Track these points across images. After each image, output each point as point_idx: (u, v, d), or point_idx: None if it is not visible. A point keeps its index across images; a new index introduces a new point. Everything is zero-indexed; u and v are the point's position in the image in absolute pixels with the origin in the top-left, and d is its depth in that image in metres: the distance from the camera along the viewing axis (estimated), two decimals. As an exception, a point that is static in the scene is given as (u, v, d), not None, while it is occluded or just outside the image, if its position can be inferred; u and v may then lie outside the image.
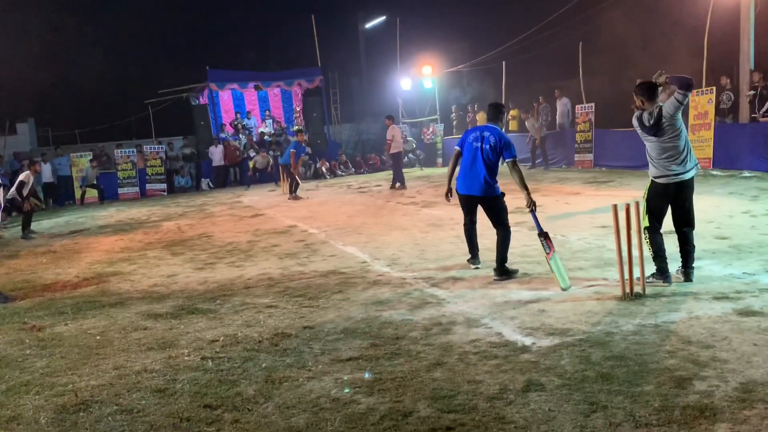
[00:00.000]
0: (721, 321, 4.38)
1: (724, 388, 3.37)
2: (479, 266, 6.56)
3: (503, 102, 20.25)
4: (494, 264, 6.17)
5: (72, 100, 28.76)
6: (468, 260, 6.69)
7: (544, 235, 5.74)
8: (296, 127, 21.08)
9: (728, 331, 4.16)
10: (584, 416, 3.19)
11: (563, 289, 5.47)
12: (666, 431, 2.99)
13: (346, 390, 3.76)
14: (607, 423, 3.11)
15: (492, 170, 6.18)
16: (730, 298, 4.86)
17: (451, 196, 6.62)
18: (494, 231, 6.29)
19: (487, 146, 6.15)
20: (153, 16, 30.60)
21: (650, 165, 5.49)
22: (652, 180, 5.45)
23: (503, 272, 6.06)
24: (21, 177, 12.38)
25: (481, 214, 6.47)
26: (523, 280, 5.97)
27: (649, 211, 5.41)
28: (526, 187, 6.01)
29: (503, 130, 6.47)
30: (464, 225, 6.62)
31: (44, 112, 27.12)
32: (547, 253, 5.64)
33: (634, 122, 5.57)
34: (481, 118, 21.63)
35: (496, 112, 6.46)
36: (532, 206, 5.92)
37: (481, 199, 6.28)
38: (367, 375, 3.86)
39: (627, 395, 3.37)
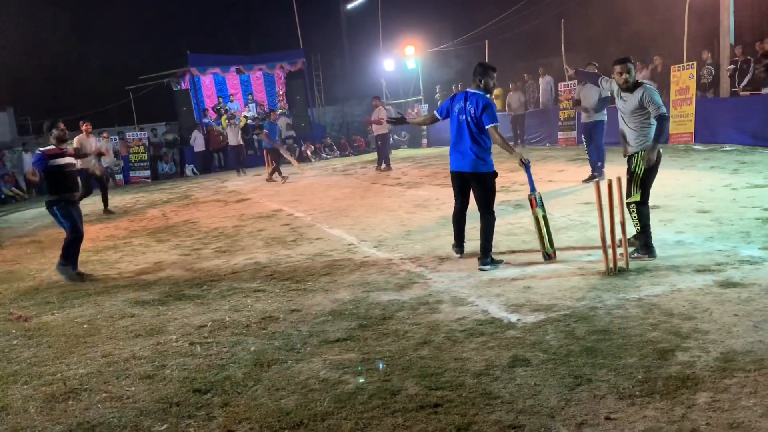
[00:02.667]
0: (702, 293, 4.45)
1: (705, 358, 3.44)
2: (462, 255, 6.22)
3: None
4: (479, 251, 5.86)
5: (52, 88, 28.36)
6: (453, 247, 6.34)
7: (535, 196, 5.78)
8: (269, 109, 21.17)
9: (709, 303, 4.23)
10: (569, 389, 3.25)
11: (544, 257, 5.61)
12: (649, 401, 3.05)
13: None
14: (591, 395, 3.16)
15: (481, 142, 5.74)
16: (712, 270, 4.93)
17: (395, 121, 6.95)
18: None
19: (470, 117, 5.74)
20: (132, 1, 30.13)
21: (648, 133, 5.44)
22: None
23: (488, 261, 5.72)
24: (74, 143, 12.25)
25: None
26: (508, 257, 6.01)
27: (645, 183, 5.43)
28: (510, 147, 5.81)
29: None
30: (454, 211, 6.15)
31: (24, 101, 26.75)
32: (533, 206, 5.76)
33: (655, 91, 5.55)
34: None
35: (487, 72, 5.90)
36: (525, 161, 5.64)
37: (472, 175, 5.80)
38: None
39: (611, 368, 3.43)
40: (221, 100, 23.99)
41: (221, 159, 22.19)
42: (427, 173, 13.91)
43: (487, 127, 5.67)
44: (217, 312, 5.22)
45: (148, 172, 21.19)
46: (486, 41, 20.40)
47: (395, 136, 22.76)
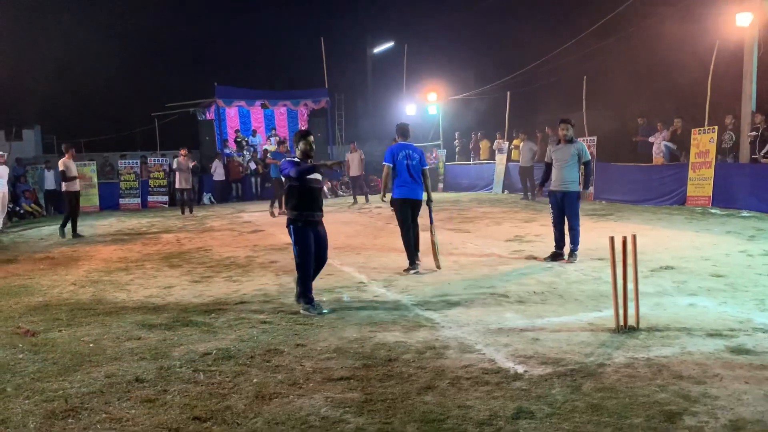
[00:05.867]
0: (713, 358, 4.38)
1: (714, 424, 3.37)
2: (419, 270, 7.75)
3: (507, 130, 20.47)
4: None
5: (79, 109, 29.01)
6: (409, 269, 7.83)
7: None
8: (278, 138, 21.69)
9: (720, 368, 4.17)
10: (572, 446, 3.19)
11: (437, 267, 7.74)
12: (653, 465, 2.99)
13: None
14: (594, 454, 3.11)
15: (420, 178, 7.90)
16: (723, 335, 4.87)
17: (384, 199, 8.52)
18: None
19: (415, 162, 7.87)
20: (164, 31, 30.95)
21: None
22: None
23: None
24: (60, 166, 12.97)
25: None
26: (518, 308, 5.98)
27: None
28: (429, 189, 8.04)
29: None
30: (406, 233, 7.90)
31: (51, 120, 27.36)
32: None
33: None
34: (484, 147, 21.82)
35: (407, 131, 8.28)
36: (429, 201, 7.98)
37: (419, 201, 7.93)
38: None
39: (616, 427, 3.37)
40: (238, 132, 24.32)
41: (239, 189, 22.42)
42: (442, 217, 13.94)
43: (425, 168, 7.96)
44: (223, 341, 5.21)
45: (166, 198, 21.39)
46: (508, 92, 20.66)
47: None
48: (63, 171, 12.78)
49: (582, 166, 8.22)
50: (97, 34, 28.04)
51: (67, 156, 12.96)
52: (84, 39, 27.27)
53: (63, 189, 13.11)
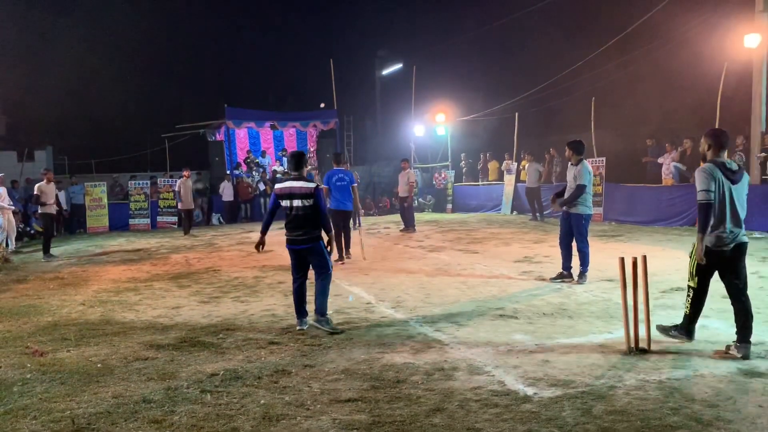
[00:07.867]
0: (726, 380, 4.33)
1: (727, 448, 3.32)
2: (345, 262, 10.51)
3: (516, 151, 20.50)
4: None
5: (91, 131, 29.32)
6: (337, 261, 10.21)
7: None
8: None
9: (733, 391, 4.11)
10: (583, 470, 3.14)
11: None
12: (666, 490, 2.94)
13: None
14: (606, 478, 3.06)
15: (350, 195, 10.61)
16: (736, 357, 4.80)
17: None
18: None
19: (345, 183, 10.56)
20: (175, 53, 31.36)
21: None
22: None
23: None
24: (35, 191, 13.30)
25: None
26: (527, 329, 5.93)
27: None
28: (358, 205, 11.17)
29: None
30: (337, 235, 10.12)
31: (63, 141, 27.64)
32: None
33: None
34: (493, 168, 21.85)
35: (340, 158, 11.15)
36: (360, 213, 11.72)
37: (349, 212, 10.80)
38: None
39: (628, 451, 3.32)
40: (250, 153, 24.45)
41: (248, 210, 22.49)
42: (450, 238, 13.92)
43: (354, 185, 10.69)
44: (231, 361, 5.19)
45: (175, 218, 21.46)
46: (516, 113, 20.72)
47: (420, 200, 22.90)
48: (37, 195, 13.09)
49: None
50: (108, 56, 28.46)
51: (45, 180, 13.27)
52: (95, 61, 27.66)
53: (39, 211, 13.43)
